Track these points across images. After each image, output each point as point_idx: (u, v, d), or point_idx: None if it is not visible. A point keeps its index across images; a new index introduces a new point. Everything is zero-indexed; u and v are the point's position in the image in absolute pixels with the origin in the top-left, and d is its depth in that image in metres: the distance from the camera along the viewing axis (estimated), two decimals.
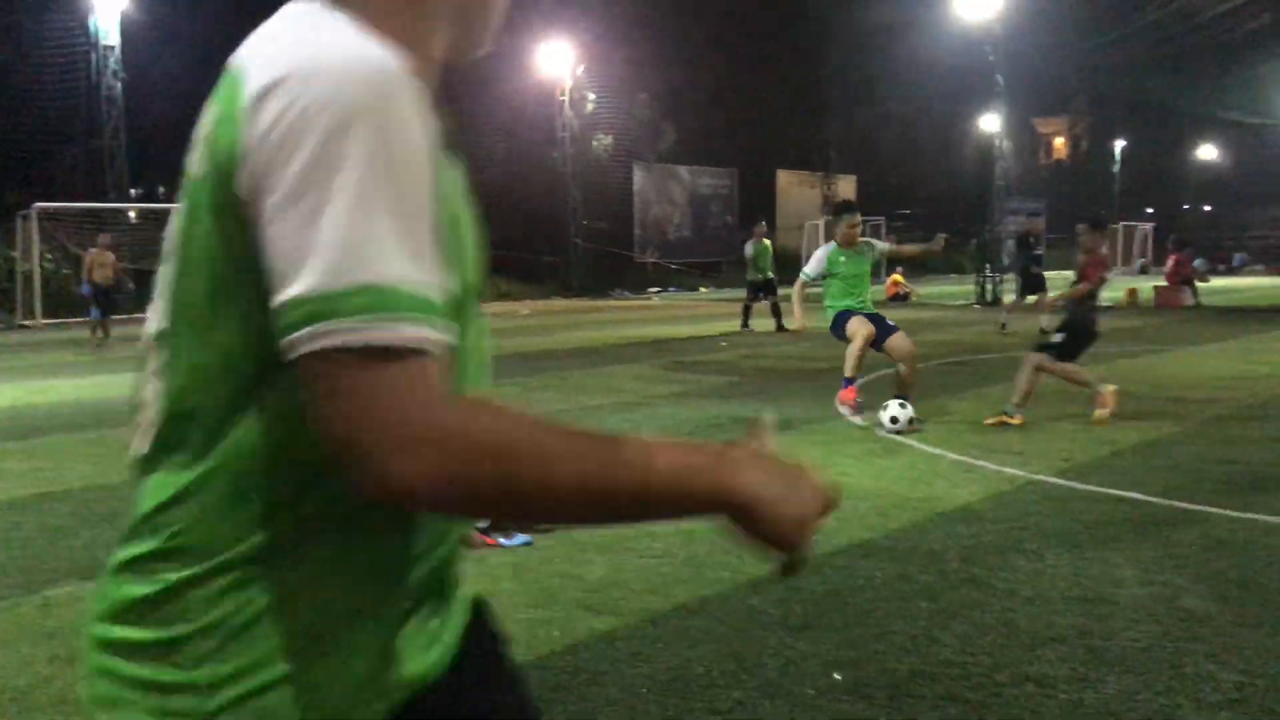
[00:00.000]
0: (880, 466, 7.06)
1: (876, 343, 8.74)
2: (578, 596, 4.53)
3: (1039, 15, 28.31)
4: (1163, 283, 24.77)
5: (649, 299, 31.24)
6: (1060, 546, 5.17)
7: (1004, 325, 17.33)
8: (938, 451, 7.51)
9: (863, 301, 9.09)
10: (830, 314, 9.12)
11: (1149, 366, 12.60)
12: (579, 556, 5.10)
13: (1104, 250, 9.38)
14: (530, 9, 31.24)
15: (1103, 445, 7.67)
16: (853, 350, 8.75)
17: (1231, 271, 43.51)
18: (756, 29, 38.03)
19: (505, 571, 4.87)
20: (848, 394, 9.11)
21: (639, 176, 36.64)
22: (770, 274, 18.77)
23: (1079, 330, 8.86)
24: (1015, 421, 8.44)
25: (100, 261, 17.50)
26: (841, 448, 7.71)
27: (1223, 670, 3.67)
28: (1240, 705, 3.41)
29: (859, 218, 9.30)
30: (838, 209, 10.11)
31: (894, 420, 8.15)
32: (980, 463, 7.12)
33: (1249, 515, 5.66)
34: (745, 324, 18.46)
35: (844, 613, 4.31)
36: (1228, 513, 5.71)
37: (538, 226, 33.05)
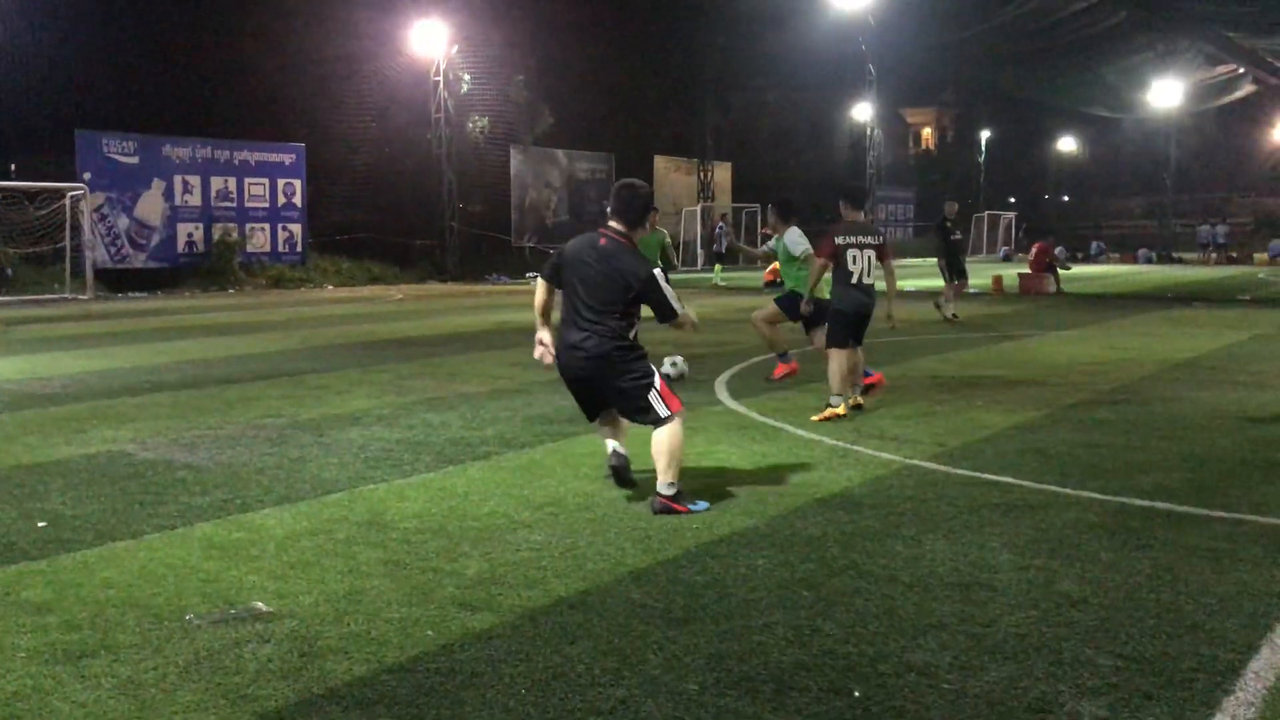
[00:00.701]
0: (757, 452, 7.03)
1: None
2: (453, 593, 4.35)
3: (909, 7, 28.91)
4: (1027, 270, 25.53)
5: (527, 284, 30.91)
6: (937, 532, 5.18)
7: (953, 315, 17.07)
8: (815, 437, 7.52)
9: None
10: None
11: (1017, 351, 12.92)
12: (454, 550, 4.91)
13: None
14: None
15: (976, 430, 7.79)
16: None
17: (1089, 259, 45.16)
18: (634, 13, 37.91)
19: (376, 569, 4.66)
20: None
21: (516, 159, 36.20)
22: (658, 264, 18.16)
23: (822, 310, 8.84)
24: (840, 411, 8.20)
25: None
26: (719, 434, 7.65)
27: (1100, 655, 3.70)
28: (1118, 690, 3.43)
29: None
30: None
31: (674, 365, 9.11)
32: (856, 448, 7.14)
33: (1118, 499, 5.77)
34: None
35: (726, 604, 4.22)
36: (1097, 496, 5.83)
37: (412, 209, 32.39)
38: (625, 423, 6.04)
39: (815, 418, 8.17)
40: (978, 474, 6.38)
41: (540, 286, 6.07)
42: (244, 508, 5.65)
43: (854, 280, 8.35)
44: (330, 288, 28.39)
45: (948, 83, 61.92)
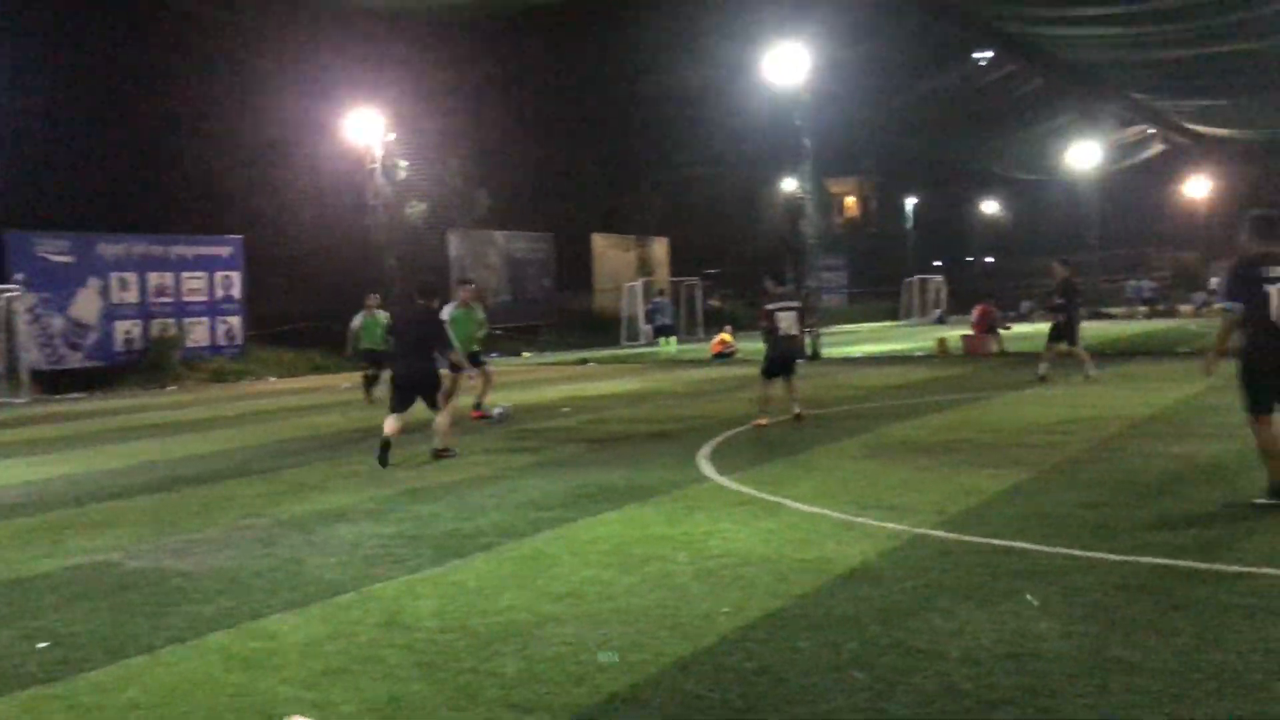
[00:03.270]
0: (764, 529, 6.96)
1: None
2: (498, 694, 4.20)
3: (833, 83, 29.59)
4: (969, 331, 25.96)
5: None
6: (970, 602, 5.15)
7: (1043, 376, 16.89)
8: (816, 510, 7.48)
9: None
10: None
11: (982, 413, 13.06)
12: (485, 649, 4.76)
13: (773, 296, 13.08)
14: (337, 75, 30.63)
15: (969, 495, 7.80)
16: None
17: (1021, 318, 46.09)
18: (567, 94, 38.38)
19: (410, 672, 4.50)
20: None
21: (454, 242, 36.21)
22: (382, 345, 15.89)
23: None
24: (763, 422, 12.31)
25: None
26: (719, 511, 7.58)
27: None
28: None
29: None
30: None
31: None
32: (861, 519, 7.11)
33: (1135, 559, 5.79)
34: (368, 398, 17.68)
35: (783, 690, 4.13)
36: (1113, 557, 5.84)
37: (353, 297, 32.05)
38: None
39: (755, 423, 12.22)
40: (989, 540, 6.37)
41: None
42: (254, 615, 5.44)
43: (780, 334, 12.83)
44: (272, 379, 27.94)
45: (869, 153, 63.40)
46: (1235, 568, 5.53)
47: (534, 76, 36.49)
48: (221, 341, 29.39)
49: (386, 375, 17.19)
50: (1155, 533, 6.39)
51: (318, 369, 29.75)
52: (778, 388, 12.95)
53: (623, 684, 4.26)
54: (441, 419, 11.10)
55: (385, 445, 10.46)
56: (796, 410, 12.68)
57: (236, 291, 29.64)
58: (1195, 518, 6.76)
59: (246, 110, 30.38)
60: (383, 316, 18.09)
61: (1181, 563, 5.68)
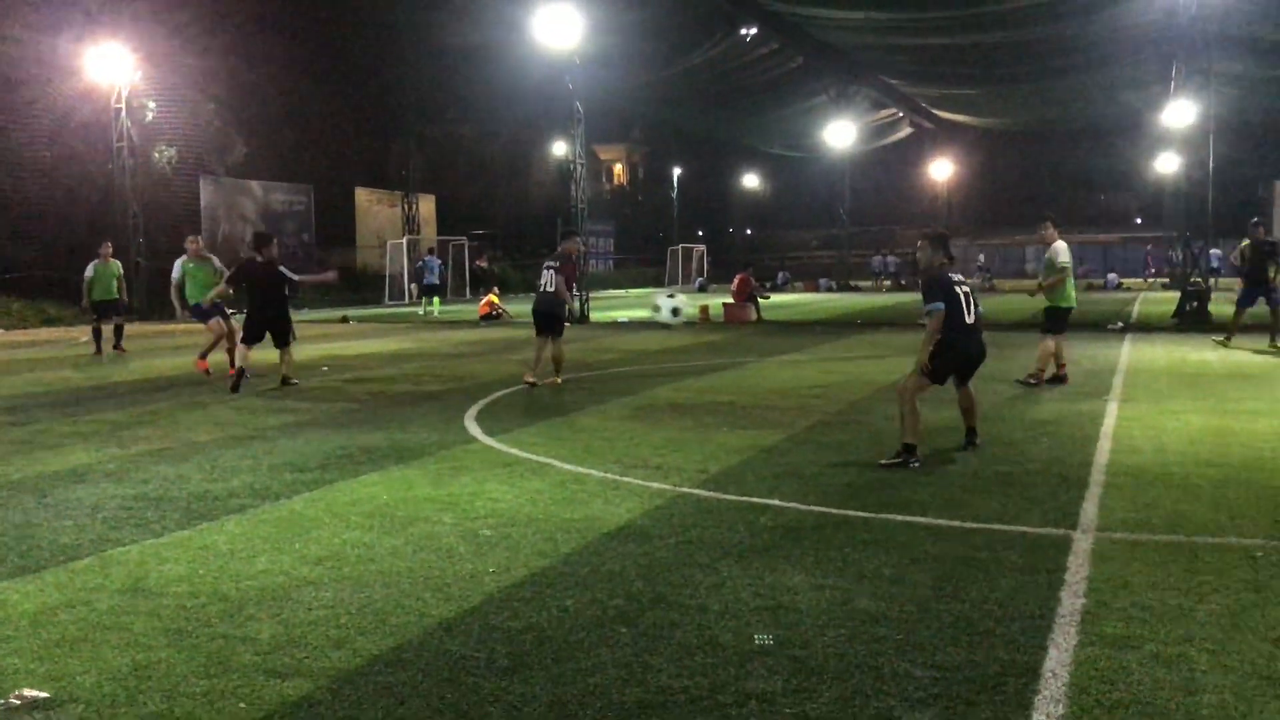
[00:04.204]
0: (531, 489, 6.96)
1: None
2: (253, 660, 4.03)
3: (602, 49, 29.71)
4: (729, 300, 26.76)
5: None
6: (730, 558, 5.32)
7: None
8: (582, 470, 7.54)
9: None
10: None
11: (741, 378, 13.50)
12: (238, 614, 4.56)
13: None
14: (77, 7, 28.36)
15: (729, 455, 8.06)
16: None
17: (777, 289, 47.92)
18: (329, 42, 36.93)
19: (157, 639, 4.25)
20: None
21: (207, 191, 34.34)
22: (115, 295, 18.08)
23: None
24: (530, 379, 12.48)
25: None
26: (485, 473, 7.53)
27: (915, 668, 3.90)
28: (942, 699, 3.63)
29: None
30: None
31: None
32: (625, 479, 7.22)
33: (881, 516, 6.13)
34: (97, 350, 17.78)
35: (549, 648, 4.14)
36: (862, 514, 6.16)
37: (92, 244, 29.93)
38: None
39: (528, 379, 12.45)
40: (747, 498, 6.60)
41: None
42: None
43: (540, 290, 12.87)
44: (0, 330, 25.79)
45: (637, 121, 64.15)
46: (969, 524, 5.94)
47: (299, 21, 34.90)
48: None
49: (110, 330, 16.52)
50: (898, 491, 6.78)
51: (50, 321, 27.69)
52: (547, 348, 12.93)
53: (384, 646, 4.17)
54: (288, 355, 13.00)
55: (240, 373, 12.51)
56: (553, 376, 12.84)
57: None
58: (938, 478, 7.21)
59: None
60: (116, 266, 17.45)
61: (920, 519, 6.05)
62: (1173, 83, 30.45)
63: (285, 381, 12.77)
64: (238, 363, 12.72)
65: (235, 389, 12.24)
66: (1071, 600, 4.63)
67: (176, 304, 15.06)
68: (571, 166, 28.50)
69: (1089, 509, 6.27)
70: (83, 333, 23.52)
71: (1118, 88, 39.88)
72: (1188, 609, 4.51)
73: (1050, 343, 12.22)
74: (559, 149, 50.18)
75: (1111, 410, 10.23)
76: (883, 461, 7.64)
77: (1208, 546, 5.47)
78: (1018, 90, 42.32)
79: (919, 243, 8.41)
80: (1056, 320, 12.25)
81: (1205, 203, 24.52)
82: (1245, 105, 39.97)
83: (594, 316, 25.77)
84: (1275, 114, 45.73)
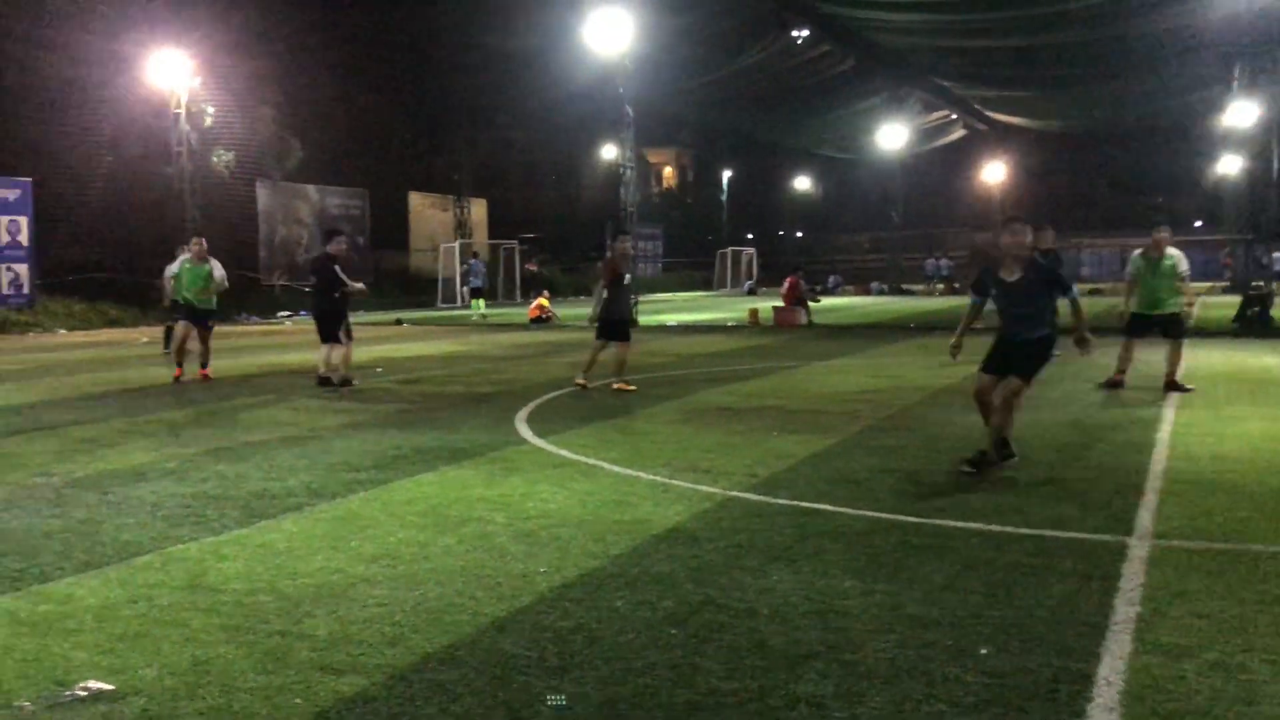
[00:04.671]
0: (580, 491, 7.01)
1: None
2: (310, 657, 4.10)
3: (651, 52, 29.78)
4: (779, 303, 26.70)
5: (281, 324, 29.75)
6: (779, 561, 5.32)
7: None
8: (632, 473, 7.57)
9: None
10: None
11: (790, 381, 13.47)
12: (295, 611, 4.64)
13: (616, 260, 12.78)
14: (138, 15, 28.90)
15: (779, 459, 8.05)
16: None
17: (827, 292, 47.69)
18: (385, 47, 37.30)
19: (216, 635, 4.34)
20: None
21: (264, 195, 34.87)
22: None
23: (607, 320, 12.63)
24: (580, 383, 12.47)
25: None
26: (536, 474, 7.59)
27: (966, 673, 3.89)
28: (993, 705, 3.61)
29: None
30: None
31: None
32: (675, 481, 7.24)
33: (933, 521, 6.10)
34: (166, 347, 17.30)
35: (599, 648, 4.18)
36: (913, 520, 6.14)
37: (152, 248, 30.47)
38: None
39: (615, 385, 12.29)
40: (797, 502, 6.59)
41: None
42: (43, 577, 5.15)
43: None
44: (62, 332, 26.36)
45: (686, 124, 64.15)
46: (1022, 530, 5.89)
47: (352, 27, 35.31)
48: (7, 291, 27.48)
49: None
50: (950, 497, 6.75)
51: (113, 322, 28.25)
52: (608, 351, 12.82)
53: (438, 644, 4.23)
54: (337, 352, 13.12)
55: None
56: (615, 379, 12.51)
57: (24, 238, 27.74)
58: (987, 483, 7.16)
59: (37, 44, 28.36)
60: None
61: (974, 525, 6.01)
62: (1235, 83, 29.93)
63: (324, 381, 12.96)
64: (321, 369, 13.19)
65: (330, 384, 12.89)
66: (1126, 608, 4.58)
67: (169, 293, 15.69)
68: (621, 170, 28.56)
69: (1145, 516, 6.20)
70: (143, 334, 23.97)
71: (1176, 88, 39.28)
72: (1247, 618, 4.44)
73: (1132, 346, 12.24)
74: (608, 152, 50.25)
75: (1168, 416, 10.09)
76: (969, 467, 7.46)
77: (1267, 555, 5.39)
78: (1071, 92, 41.82)
79: (1032, 233, 7.99)
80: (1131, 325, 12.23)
81: (1268, 204, 24.08)
82: None
83: (642, 321, 25.77)
84: None
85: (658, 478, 7.39)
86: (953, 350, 8.14)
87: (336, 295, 12.99)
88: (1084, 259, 55.69)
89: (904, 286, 49.59)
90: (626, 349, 12.73)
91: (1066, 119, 50.55)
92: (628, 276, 12.82)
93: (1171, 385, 11.80)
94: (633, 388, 12.34)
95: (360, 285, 13.61)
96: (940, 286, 48.61)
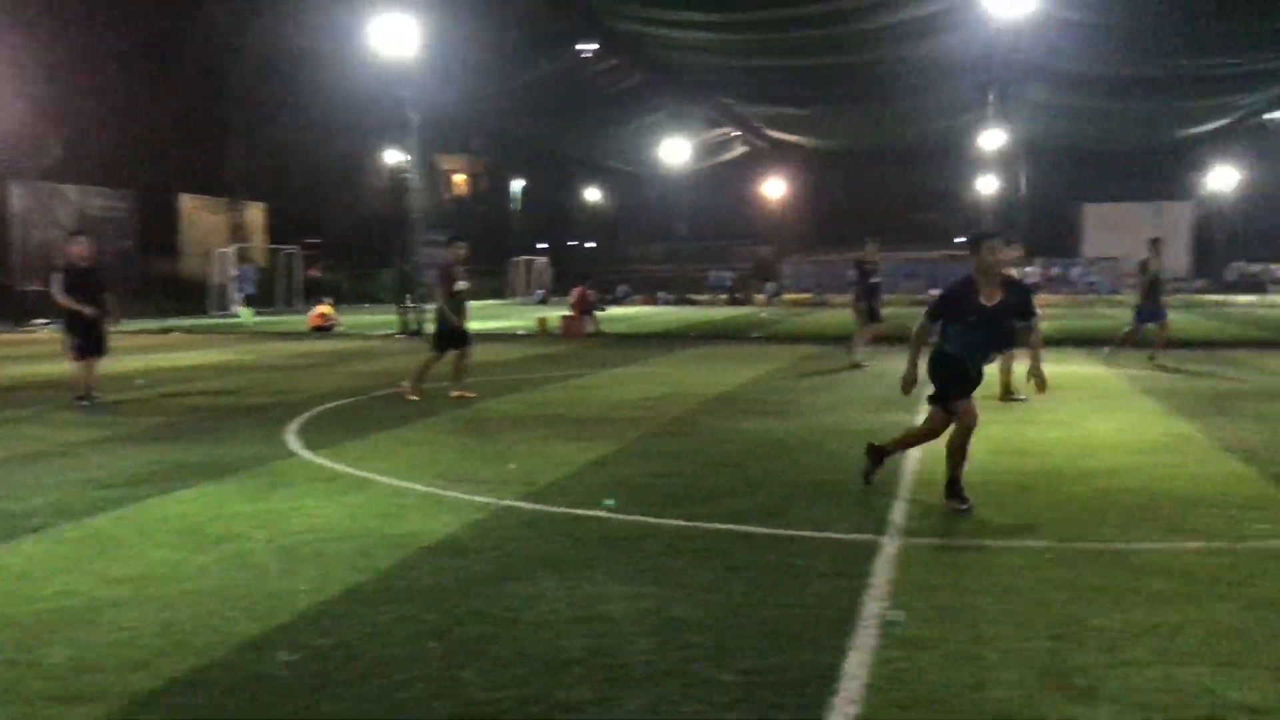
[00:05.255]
0: (349, 504, 6.83)
1: None
2: (42, 687, 3.84)
3: (443, 58, 29.47)
4: (568, 312, 26.83)
5: (35, 331, 27.81)
6: (548, 569, 5.33)
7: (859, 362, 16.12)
8: (405, 484, 7.44)
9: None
10: None
11: (576, 390, 13.54)
12: (28, 639, 4.34)
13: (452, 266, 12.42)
14: None
15: (558, 467, 8.07)
16: None
17: (616, 302, 48.24)
18: (152, 40, 35.41)
19: None
20: None
21: (17, 195, 32.56)
22: None
23: (440, 330, 12.43)
24: (407, 392, 12.13)
25: None
26: (304, 488, 7.35)
27: (723, 673, 3.99)
28: (748, 704, 3.72)
29: None
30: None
31: None
32: (449, 493, 7.16)
33: (701, 525, 6.24)
34: None
35: (358, 665, 4.08)
36: (683, 524, 6.27)
37: None
38: None
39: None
40: (571, 510, 6.62)
41: None
42: None
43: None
44: None
45: (479, 132, 63.68)
46: (786, 531, 6.10)
47: (123, 19, 33.40)
48: None
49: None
50: (721, 501, 6.92)
51: None
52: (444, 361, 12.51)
53: (186, 667, 4.03)
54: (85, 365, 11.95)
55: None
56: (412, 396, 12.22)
57: None
58: (759, 487, 7.38)
59: None
60: None
61: (740, 527, 6.18)
62: (989, 109, 32.03)
63: (82, 399, 11.81)
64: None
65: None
66: (874, 604, 4.80)
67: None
68: (405, 176, 28.11)
69: (898, 515, 6.52)
70: None
71: (937, 112, 41.71)
72: (981, 610, 4.73)
73: None
74: (395, 158, 49.36)
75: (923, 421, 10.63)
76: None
77: (1003, 550, 5.76)
78: (845, 112, 43.83)
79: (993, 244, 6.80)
80: None
81: (1019, 222, 25.85)
82: (1055, 132, 42.34)
83: (431, 328, 25.36)
84: (1082, 140, 48.60)
85: (432, 489, 7.28)
86: (908, 386, 7.07)
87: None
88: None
89: (690, 297, 50.71)
90: (467, 356, 12.56)
91: (840, 138, 52.93)
92: (462, 283, 12.49)
93: (1008, 394, 12.28)
94: (473, 394, 12.35)
95: (81, 308, 11.80)
96: (724, 297, 49.95)
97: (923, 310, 7.21)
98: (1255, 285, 49.87)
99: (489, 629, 4.48)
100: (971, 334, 6.76)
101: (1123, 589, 5.02)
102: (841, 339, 21.28)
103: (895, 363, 12.94)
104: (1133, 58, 30.82)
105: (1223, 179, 49.63)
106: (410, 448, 9.07)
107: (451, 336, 12.35)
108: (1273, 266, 51.48)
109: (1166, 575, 5.23)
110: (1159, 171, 54.60)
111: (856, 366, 15.78)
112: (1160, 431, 9.85)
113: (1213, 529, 6.06)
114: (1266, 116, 42.84)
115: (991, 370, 12.00)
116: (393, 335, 25.07)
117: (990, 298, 6.70)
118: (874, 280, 16.48)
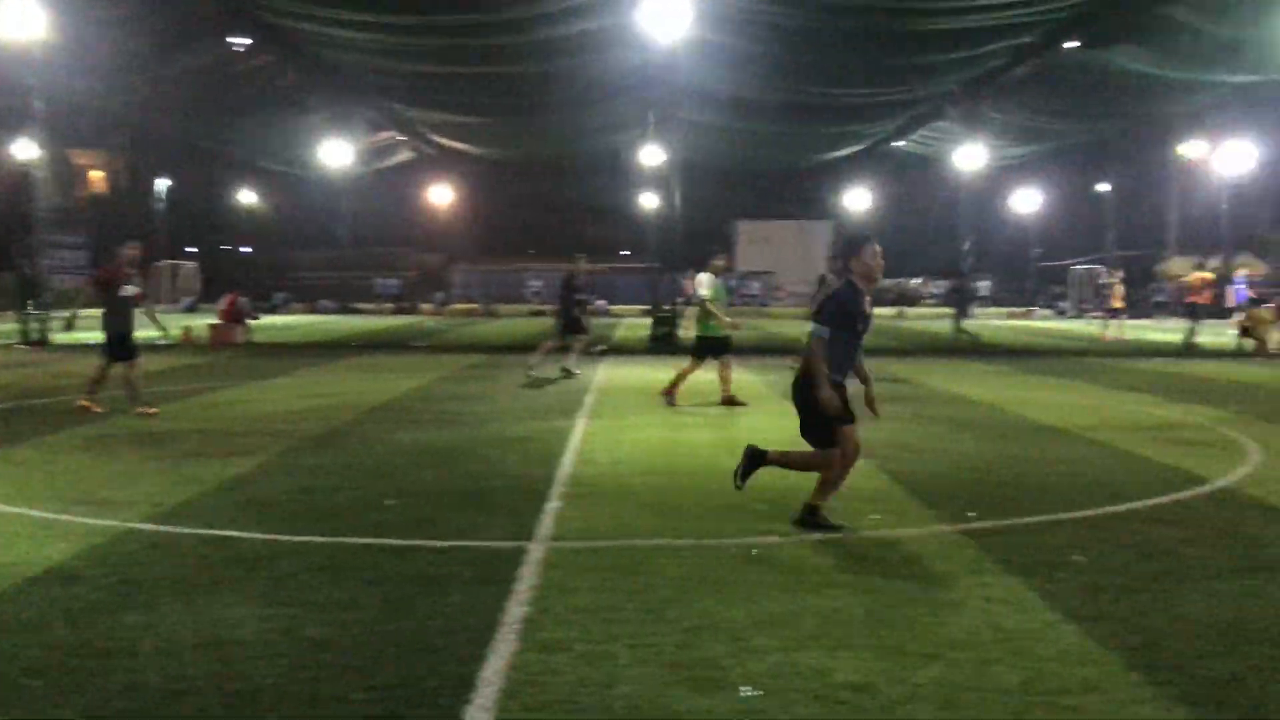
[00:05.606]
0: None
1: None
2: None
3: (85, 43, 27.16)
4: (217, 320, 25.40)
5: None
6: (172, 595, 4.99)
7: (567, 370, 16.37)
8: (13, 510, 6.73)
9: None
10: None
11: (219, 402, 12.82)
12: None
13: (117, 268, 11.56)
14: None
15: (189, 486, 7.58)
16: None
17: (273, 310, 46.25)
18: None
19: None
20: None
21: None
22: None
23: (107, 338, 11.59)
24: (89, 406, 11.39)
25: None
26: None
27: (352, 690, 3.86)
28: None
29: None
30: None
31: None
32: (64, 517, 6.55)
33: (341, 539, 6.05)
34: None
35: None
36: (321, 539, 6.05)
37: None
38: None
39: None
40: (201, 531, 6.23)
41: None
42: None
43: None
44: None
45: (121, 125, 59.15)
46: (431, 542, 6.03)
47: None
48: None
49: None
50: (365, 514, 6.73)
51: None
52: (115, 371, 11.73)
53: None
54: None
55: None
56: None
57: None
58: (408, 497, 7.25)
59: None
60: None
61: (382, 540, 6.05)
62: (649, 127, 33.24)
63: None
64: None
65: None
66: (517, 609, 4.82)
67: None
68: (30, 171, 25.68)
69: (546, 520, 6.61)
70: None
71: (603, 128, 42.91)
72: (617, 608, 4.86)
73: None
74: (19, 150, 44.91)
75: (579, 427, 10.89)
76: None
77: (644, 549, 5.96)
78: (513, 123, 44.19)
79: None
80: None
81: (678, 237, 26.95)
82: (710, 151, 44.65)
83: (61, 339, 23.11)
84: (733, 160, 51.57)
85: (44, 513, 6.63)
86: (836, 404, 6.25)
87: None
88: (528, 280, 59.47)
89: (353, 305, 49.45)
90: (136, 367, 11.70)
91: (509, 149, 53.27)
92: (130, 287, 11.44)
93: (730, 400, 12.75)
94: (154, 410, 11.54)
95: None
96: (390, 305, 49.07)
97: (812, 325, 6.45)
98: (906, 299, 54.87)
99: (101, 662, 4.12)
100: (853, 343, 6.40)
101: (754, 582, 5.31)
102: (509, 349, 21.40)
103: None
104: (776, 84, 32.94)
105: (857, 200, 53.98)
106: (20, 468, 8.24)
107: (117, 345, 11.55)
108: (914, 282, 56.96)
109: (796, 568, 5.59)
110: (801, 192, 58.91)
111: (568, 374, 16.21)
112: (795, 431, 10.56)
113: (835, 520, 6.52)
114: (893, 144, 47.04)
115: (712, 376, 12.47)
116: (11, 345, 22.73)
117: (869, 304, 6.43)
118: (579, 296, 16.93)
